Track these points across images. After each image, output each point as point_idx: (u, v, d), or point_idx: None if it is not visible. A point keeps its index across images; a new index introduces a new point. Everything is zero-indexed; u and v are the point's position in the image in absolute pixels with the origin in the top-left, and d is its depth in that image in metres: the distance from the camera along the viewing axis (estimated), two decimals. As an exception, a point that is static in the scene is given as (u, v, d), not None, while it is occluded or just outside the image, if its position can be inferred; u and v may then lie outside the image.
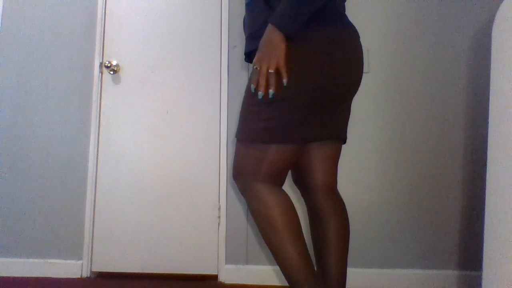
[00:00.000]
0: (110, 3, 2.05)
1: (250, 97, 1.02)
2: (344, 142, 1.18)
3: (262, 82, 0.93)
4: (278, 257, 0.99)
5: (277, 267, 1.80)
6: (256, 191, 1.01)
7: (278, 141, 0.99)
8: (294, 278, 0.97)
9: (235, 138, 1.06)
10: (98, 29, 2.03)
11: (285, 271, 0.99)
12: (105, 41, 2.03)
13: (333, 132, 1.07)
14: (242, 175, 1.04)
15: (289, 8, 0.92)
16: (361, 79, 1.11)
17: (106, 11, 2.05)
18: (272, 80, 0.93)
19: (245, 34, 1.16)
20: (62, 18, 2.06)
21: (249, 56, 1.16)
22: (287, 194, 1.04)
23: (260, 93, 0.94)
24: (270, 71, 0.93)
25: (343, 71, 1.01)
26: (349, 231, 1.17)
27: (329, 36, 0.99)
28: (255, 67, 0.95)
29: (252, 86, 0.96)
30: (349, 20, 1.09)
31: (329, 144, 1.15)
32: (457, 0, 1.83)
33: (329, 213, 1.14)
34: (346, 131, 1.15)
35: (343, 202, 1.19)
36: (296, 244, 0.98)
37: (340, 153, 1.19)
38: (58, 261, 1.92)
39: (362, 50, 1.10)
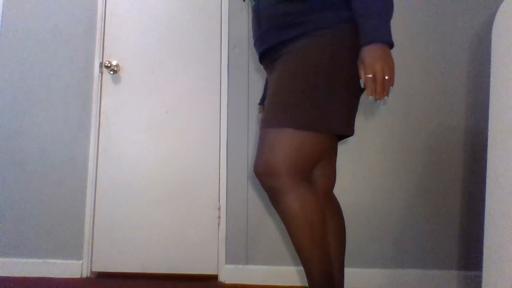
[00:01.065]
0: (110, 3, 2.05)
1: (303, 80, 0.97)
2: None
3: (380, 89, 0.92)
4: (311, 263, 0.97)
5: (277, 267, 1.80)
6: (302, 192, 0.96)
7: (337, 130, 0.96)
8: (323, 284, 0.98)
9: (268, 127, 0.98)
10: (98, 29, 2.03)
11: (314, 276, 0.98)
12: (105, 41, 2.03)
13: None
14: (274, 171, 0.96)
15: (383, 20, 0.93)
16: None
17: (106, 11, 2.05)
18: (387, 87, 0.92)
19: (260, 30, 1.10)
20: (62, 18, 2.06)
21: (269, 51, 1.11)
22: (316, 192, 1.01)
23: (381, 102, 0.93)
24: (386, 77, 0.92)
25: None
26: (345, 232, 1.17)
27: (354, 29, 1.00)
28: (369, 76, 0.93)
29: (371, 98, 0.93)
30: None
31: (335, 145, 1.16)
32: (457, 0, 1.83)
33: (327, 215, 1.13)
34: None
35: (338, 203, 1.19)
36: (327, 251, 0.98)
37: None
38: (58, 261, 1.92)
39: None
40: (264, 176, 0.98)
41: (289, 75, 0.98)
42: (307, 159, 0.97)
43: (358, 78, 0.98)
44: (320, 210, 0.97)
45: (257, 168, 0.99)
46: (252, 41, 1.94)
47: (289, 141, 0.96)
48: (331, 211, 1.14)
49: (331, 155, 1.18)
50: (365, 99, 1.83)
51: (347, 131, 0.99)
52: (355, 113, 1.03)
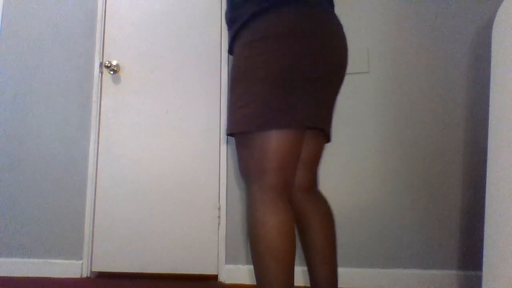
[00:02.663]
0: (110, 3, 2.05)
1: (231, 89, 1.01)
2: (328, 140, 1.15)
3: None
4: (260, 281, 0.93)
5: (277, 267, 1.80)
6: (256, 202, 0.95)
7: (264, 127, 0.93)
8: None
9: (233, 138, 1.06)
10: (98, 29, 2.03)
11: None
12: (105, 41, 2.03)
13: (318, 121, 1.01)
14: (246, 176, 0.98)
15: None
16: (344, 67, 1.07)
17: (106, 11, 2.05)
18: None
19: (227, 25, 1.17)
20: (62, 18, 2.06)
21: (231, 47, 1.15)
22: (290, 212, 0.96)
23: None
24: None
25: (319, 51, 0.97)
26: (334, 230, 1.12)
27: (301, 14, 0.97)
28: None
29: None
30: (324, 3, 1.06)
31: (312, 141, 1.11)
32: (457, 0, 1.83)
33: (311, 213, 1.09)
34: (330, 127, 1.10)
35: (326, 200, 1.14)
36: (281, 276, 0.92)
37: (322, 151, 1.15)
38: (58, 261, 1.92)
39: (343, 35, 1.07)
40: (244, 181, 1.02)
41: (230, 82, 1.04)
42: (269, 160, 0.95)
43: (279, 64, 0.95)
44: (285, 233, 0.93)
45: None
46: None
47: (240, 149, 1.00)
48: (313, 208, 1.10)
49: (307, 148, 1.11)
50: (362, 99, 1.83)
51: (291, 124, 0.95)
52: (304, 102, 0.96)
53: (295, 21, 0.96)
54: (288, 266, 0.93)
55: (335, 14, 1.07)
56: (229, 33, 1.11)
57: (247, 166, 0.98)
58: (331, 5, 1.15)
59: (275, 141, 0.95)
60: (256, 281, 0.96)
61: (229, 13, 1.09)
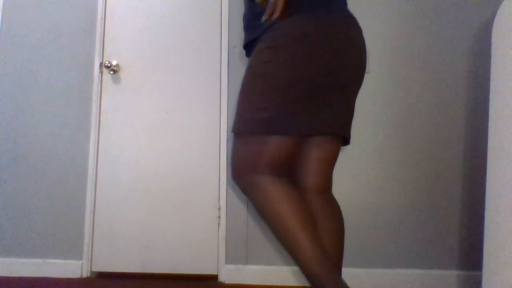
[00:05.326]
0: (110, 3, 2.05)
1: (246, 88, 1.03)
2: (347, 142, 1.14)
3: (269, 10, 0.95)
4: (291, 251, 0.96)
5: (277, 267, 1.80)
6: (257, 184, 0.99)
7: (276, 132, 0.98)
8: (311, 271, 0.94)
9: (232, 134, 1.07)
10: (98, 29, 2.03)
11: (301, 264, 0.95)
12: (105, 41, 2.03)
13: (335, 127, 1.04)
14: (241, 172, 1.02)
15: None
16: (362, 70, 1.08)
17: (106, 11, 2.05)
18: (277, 9, 0.94)
19: (243, 29, 1.18)
20: (62, 18, 2.06)
21: (248, 49, 1.18)
22: (291, 183, 1.01)
23: (263, 18, 0.97)
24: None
25: (336, 58, 0.99)
26: (343, 234, 1.14)
27: (317, 21, 0.98)
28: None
29: (263, 18, 0.97)
30: (344, 7, 1.08)
31: (328, 144, 1.10)
32: (457, 0, 1.83)
33: (321, 215, 1.10)
34: (349, 130, 1.11)
35: (337, 204, 1.15)
36: (307, 234, 0.95)
37: (338, 154, 1.14)
38: (58, 261, 1.92)
39: (361, 39, 1.07)
40: (233, 178, 1.05)
41: (243, 81, 1.06)
42: (264, 158, 0.99)
43: (303, 71, 0.97)
44: (285, 196, 0.97)
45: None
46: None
47: (239, 145, 1.03)
48: (323, 211, 1.10)
49: (322, 152, 1.11)
50: (362, 99, 1.83)
51: (298, 131, 0.99)
52: (322, 109, 1.00)
53: (316, 29, 0.97)
54: (311, 223, 0.98)
55: (354, 18, 1.08)
56: (247, 35, 1.13)
57: (242, 161, 1.02)
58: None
59: (279, 145, 1.00)
60: (292, 256, 0.98)
61: (249, 18, 1.11)
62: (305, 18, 0.98)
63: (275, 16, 0.94)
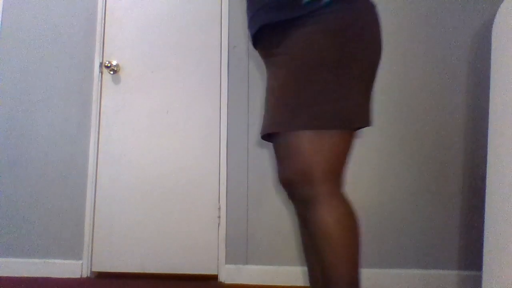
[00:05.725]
0: (110, 3, 2.05)
1: (300, 79, 0.87)
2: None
3: None
4: (357, 267, 0.87)
5: (277, 267, 1.80)
6: (336, 203, 0.86)
7: (359, 123, 0.86)
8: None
9: (287, 131, 0.87)
10: (98, 29, 2.03)
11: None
12: (105, 41, 2.03)
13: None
14: (315, 177, 0.86)
15: None
16: None
17: (106, 11, 2.05)
18: None
19: (253, 9, 0.99)
20: (62, 18, 2.06)
21: (262, 33, 0.98)
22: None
23: None
24: None
25: (380, 48, 0.93)
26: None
27: (367, 5, 0.91)
28: None
29: None
30: None
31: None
32: (457, 0, 1.83)
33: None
34: None
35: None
36: (359, 271, 0.89)
37: None
38: (58, 261, 1.92)
39: None
40: (296, 184, 0.88)
41: (298, 70, 0.88)
42: (339, 161, 0.88)
43: (371, 63, 0.90)
44: (356, 224, 0.88)
45: (287, 176, 0.89)
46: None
47: (331, 144, 0.86)
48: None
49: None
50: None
51: (368, 123, 0.91)
52: (371, 102, 0.94)
53: (369, 13, 0.90)
54: (358, 256, 0.90)
55: None
56: (272, 15, 0.92)
57: (310, 165, 0.87)
58: None
59: (348, 141, 0.90)
60: (328, 280, 0.88)
61: None
62: (359, 1, 0.90)
63: None
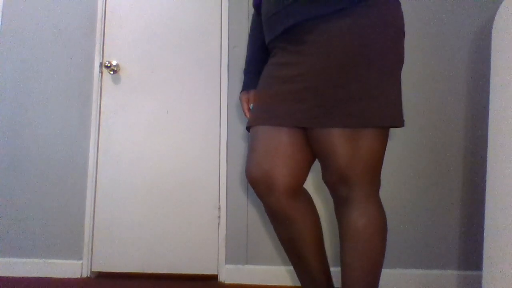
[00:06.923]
0: (110, 3, 2.05)
1: (372, 70, 0.83)
2: None
3: None
4: (378, 271, 0.90)
5: (277, 267, 1.80)
6: (371, 207, 0.88)
7: (393, 123, 0.86)
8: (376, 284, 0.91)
9: (339, 127, 0.83)
10: (98, 29, 2.03)
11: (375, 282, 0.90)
12: (105, 41, 2.03)
13: None
14: (357, 180, 0.86)
15: None
16: None
17: (106, 11, 2.05)
18: None
19: (284, 2, 0.93)
20: (62, 18, 2.06)
21: (297, 26, 0.92)
22: None
23: None
24: None
25: None
26: (320, 228, 1.06)
27: (399, 6, 0.92)
28: None
29: None
30: None
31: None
32: (457, 0, 1.83)
33: (301, 212, 1.04)
34: None
35: (311, 199, 1.10)
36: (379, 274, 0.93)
37: None
38: (58, 261, 1.92)
39: None
40: (338, 184, 0.88)
41: (350, 65, 0.84)
42: (381, 161, 0.89)
43: (401, 61, 0.89)
44: (385, 229, 0.90)
45: (331, 176, 0.88)
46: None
47: (369, 143, 0.84)
48: (304, 206, 1.01)
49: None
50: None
51: (402, 122, 0.91)
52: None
53: (401, 13, 0.92)
54: (382, 259, 0.95)
55: None
56: (313, 7, 0.88)
57: (377, 165, 0.87)
58: None
59: (384, 141, 0.90)
60: (348, 278, 0.90)
61: None
62: (393, 1, 0.90)
63: None
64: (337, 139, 0.84)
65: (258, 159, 0.94)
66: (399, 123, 0.88)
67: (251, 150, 0.98)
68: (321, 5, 0.86)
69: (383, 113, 0.84)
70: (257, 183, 0.94)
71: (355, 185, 0.86)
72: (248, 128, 1.05)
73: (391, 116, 0.85)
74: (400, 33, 0.89)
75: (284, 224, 0.96)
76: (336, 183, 0.87)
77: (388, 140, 1.80)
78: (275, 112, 0.94)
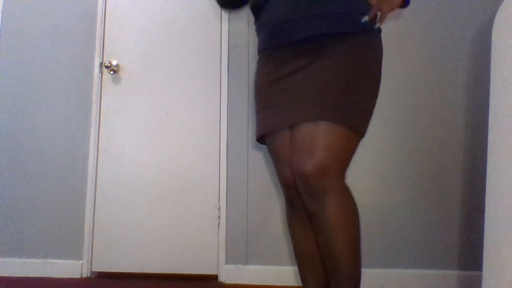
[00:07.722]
0: (110, 3, 2.05)
1: (361, 84, 0.99)
2: None
3: (382, 20, 0.93)
4: (344, 270, 0.97)
5: (277, 267, 1.80)
6: (347, 195, 0.98)
7: (364, 132, 1.02)
8: (357, 281, 1.00)
9: (317, 120, 0.95)
10: (98, 29, 2.03)
11: (345, 284, 0.98)
12: (105, 41, 2.03)
13: None
14: (333, 171, 0.94)
15: None
16: None
17: (106, 11, 2.05)
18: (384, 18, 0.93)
19: (298, 13, 1.00)
20: (62, 18, 2.06)
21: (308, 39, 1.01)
22: None
23: (377, 24, 0.95)
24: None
25: None
26: None
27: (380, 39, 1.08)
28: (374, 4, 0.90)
29: (365, 17, 0.95)
30: None
31: None
32: (457, 0, 1.83)
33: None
34: None
35: None
36: (360, 259, 1.02)
37: None
38: (58, 261, 1.92)
39: None
40: (314, 176, 0.93)
41: (344, 75, 0.97)
42: (349, 160, 1.02)
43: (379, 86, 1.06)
44: (358, 219, 1.00)
45: (306, 168, 0.93)
46: (252, 40, 1.93)
47: (343, 139, 0.96)
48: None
49: None
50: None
51: (364, 134, 1.06)
52: None
53: (382, 47, 1.09)
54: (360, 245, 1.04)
55: None
56: (338, 25, 0.98)
57: (342, 159, 0.98)
58: None
59: (357, 145, 1.04)
60: (334, 269, 0.99)
61: (344, 6, 1.00)
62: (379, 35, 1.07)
63: (379, 24, 0.94)
64: (309, 130, 0.98)
65: (279, 168, 1.12)
66: (364, 132, 1.01)
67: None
68: (349, 24, 0.99)
69: (364, 121, 1.02)
70: (289, 189, 1.10)
71: (335, 177, 0.96)
72: (259, 140, 1.16)
73: (366, 125, 1.02)
74: (381, 61, 1.06)
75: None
76: (317, 175, 0.94)
77: (388, 140, 1.80)
78: (274, 117, 1.07)
